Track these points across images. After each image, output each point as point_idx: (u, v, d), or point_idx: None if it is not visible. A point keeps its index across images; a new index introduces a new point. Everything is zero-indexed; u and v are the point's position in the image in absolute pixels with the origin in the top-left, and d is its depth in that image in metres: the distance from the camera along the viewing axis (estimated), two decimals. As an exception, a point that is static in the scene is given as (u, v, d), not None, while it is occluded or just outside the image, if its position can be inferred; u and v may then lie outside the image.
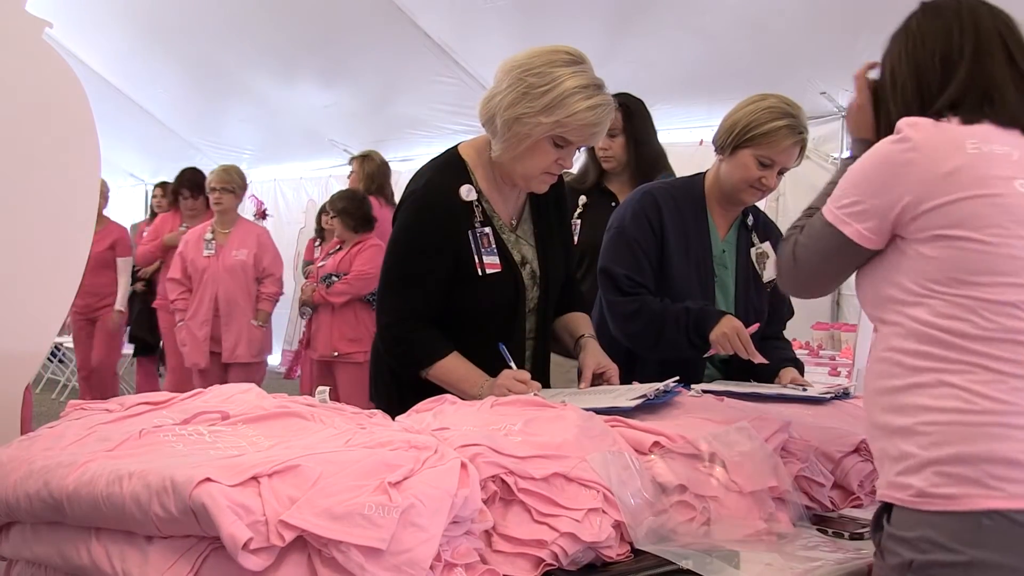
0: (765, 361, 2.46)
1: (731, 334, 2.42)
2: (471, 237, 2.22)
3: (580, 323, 2.47)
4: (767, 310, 2.68)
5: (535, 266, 2.33)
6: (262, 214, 7.99)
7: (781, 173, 2.58)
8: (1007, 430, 1.38)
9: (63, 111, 2.47)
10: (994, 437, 1.38)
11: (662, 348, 2.56)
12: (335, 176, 8.25)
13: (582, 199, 3.60)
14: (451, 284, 2.22)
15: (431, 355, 2.22)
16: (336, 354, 5.46)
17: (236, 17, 7.25)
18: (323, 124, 8.32)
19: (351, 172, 6.24)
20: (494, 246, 2.24)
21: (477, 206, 2.24)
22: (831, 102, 5.60)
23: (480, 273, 2.22)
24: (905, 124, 1.51)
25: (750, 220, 2.73)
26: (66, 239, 2.50)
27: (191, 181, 6.33)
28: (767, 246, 2.69)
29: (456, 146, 2.33)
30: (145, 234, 6.83)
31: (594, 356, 2.34)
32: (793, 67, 5.53)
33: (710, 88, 5.65)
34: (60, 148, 2.46)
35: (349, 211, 5.60)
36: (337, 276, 5.50)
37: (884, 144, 1.53)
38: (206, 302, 5.49)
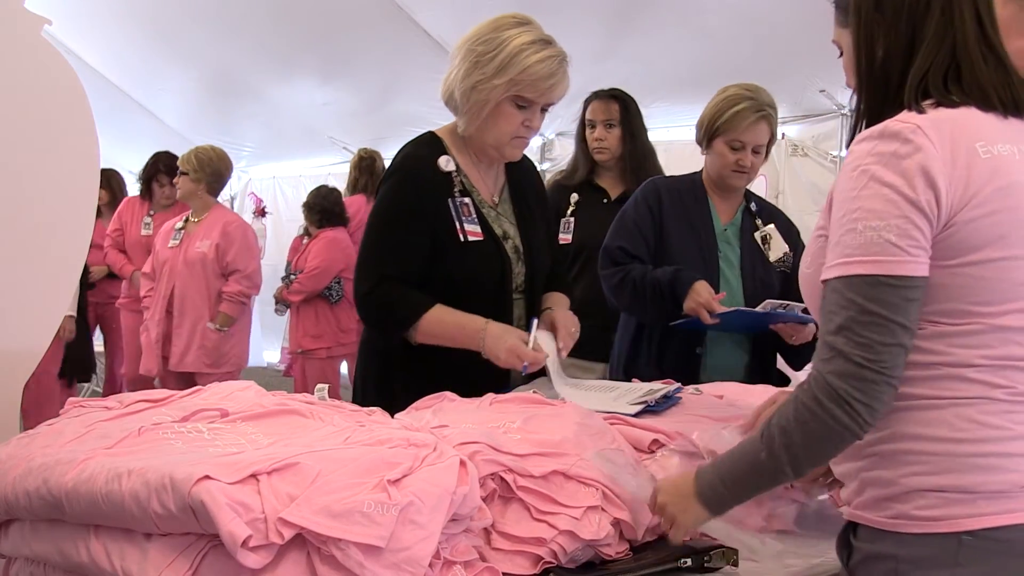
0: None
1: (698, 310, 2.58)
2: (451, 205, 2.20)
3: (551, 299, 2.40)
4: (779, 287, 2.80)
5: (518, 242, 2.31)
6: (261, 211, 7.98)
7: (758, 152, 2.78)
8: (999, 459, 1.29)
9: (62, 108, 2.47)
10: (984, 468, 1.29)
11: (653, 315, 2.74)
12: (334, 174, 8.24)
13: (574, 196, 3.60)
14: (433, 255, 2.19)
15: (416, 309, 2.15)
16: (301, 351, 5.47)
17: (235, 14, 7.24)
18: (322, 122, 8.31)
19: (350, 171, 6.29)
20: (475, 216, 2.23)
21: (456, 176, 2.24)
22: (830, 100, 5.60)
23: (463, 239, 2.19)
24: (906, 128, 1.30)
25: (753, 206, 2.91)
26: (65, 236, 2.50)
27: (168, 166, 5.52)
28: (771, 228, 2.87)
29: (429, 131, 2.35)
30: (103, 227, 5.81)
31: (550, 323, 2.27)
32: (792, 65, 5.52)
33: (709, 86, 5.62)
34: (59, 146, 2.46)
35: (310, 204, 5.61)
36: (295, 274, 5.53)
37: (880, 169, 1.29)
38: (160, 300, 4.81)
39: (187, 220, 4.91)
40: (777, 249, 2.83)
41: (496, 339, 2.10)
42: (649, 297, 2.67)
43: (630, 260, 2.75)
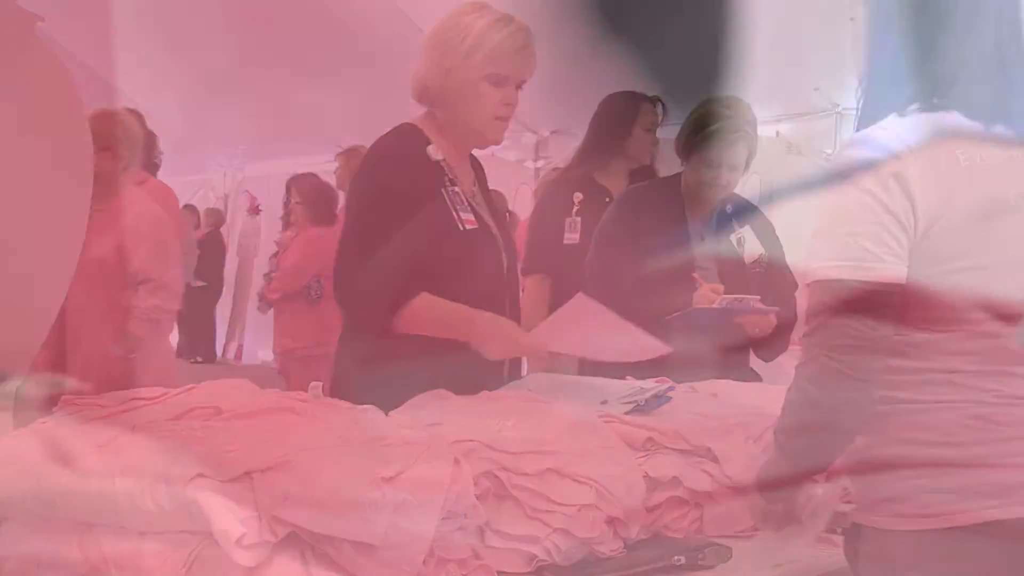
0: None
1: (707, 291, 2.64)
2: (445, 194, 2.17)
3: None
4: (754, 290, 2.79)
5: (496, 232, 2.30)
6: (255, 209, 7.96)
7: (734, 168, 2.77)
8: (986, 460, 1.30)
9: (55, 107, 2.47)
10: (970, 470, 1.30)
11: None
12: (328, 172, 8.24)
13: (578, 195, 3.54)
14: (429, 248, 2.12)
15: (404, 292, 2.06)
16: (279, 351, 5.41)
17: (230, 12, 7.23)
18: (316, 120, 8.30)
19: (336, 168, 6.12)
20: (467, 204, 2.21)
21: (444, 164, 2.21)
22: (824, 98, 5.61)
23: (461, 228, 2.15)
24: (885, 136, 1.33)
25: (728, 207, 2.90)
26: (57, 235, 2.50)
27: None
28: (746, 229, 2.88)
29: (405, 122, 2.29)
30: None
31: None
32: (787, 63, 5.53)
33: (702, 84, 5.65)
34: (52, 145, 2.46)
35: (311, 199, 5.56)
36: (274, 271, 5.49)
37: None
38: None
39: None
40: (752, 251, 2.85)
41: (489, 328, 2.07)
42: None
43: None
